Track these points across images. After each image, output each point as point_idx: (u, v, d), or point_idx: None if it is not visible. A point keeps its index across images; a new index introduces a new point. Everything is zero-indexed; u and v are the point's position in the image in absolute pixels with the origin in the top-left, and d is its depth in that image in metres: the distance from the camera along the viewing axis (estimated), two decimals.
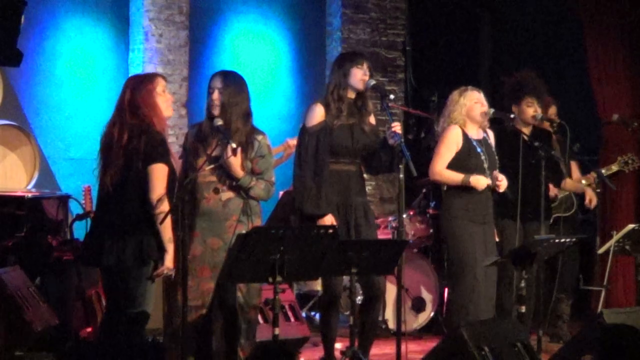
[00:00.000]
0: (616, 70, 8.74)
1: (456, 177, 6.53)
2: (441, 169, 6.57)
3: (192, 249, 5.63)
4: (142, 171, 5.29)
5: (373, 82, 6.20)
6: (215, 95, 5.72)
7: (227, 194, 5.71)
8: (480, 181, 6.50)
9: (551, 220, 7.56)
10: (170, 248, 5.30)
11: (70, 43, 8.80)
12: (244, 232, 5.43)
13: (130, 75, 5.63)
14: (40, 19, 8.58)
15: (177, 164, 5.72)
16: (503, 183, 6.58)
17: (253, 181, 5.72)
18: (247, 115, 5.79)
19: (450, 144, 6.58)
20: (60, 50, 8.75)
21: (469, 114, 6.62)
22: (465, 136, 6.59)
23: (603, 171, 7.81)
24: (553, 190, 7.72)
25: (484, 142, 6.68)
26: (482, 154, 6.59)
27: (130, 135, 5.34)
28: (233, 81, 5.80)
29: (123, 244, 5.27)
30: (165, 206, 5.27)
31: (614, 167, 7.94)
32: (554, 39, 9.84)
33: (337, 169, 6.18)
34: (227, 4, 9.63)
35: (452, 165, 6.58)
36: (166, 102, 5.51)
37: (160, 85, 5.51)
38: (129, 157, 5.32)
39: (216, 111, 5.70)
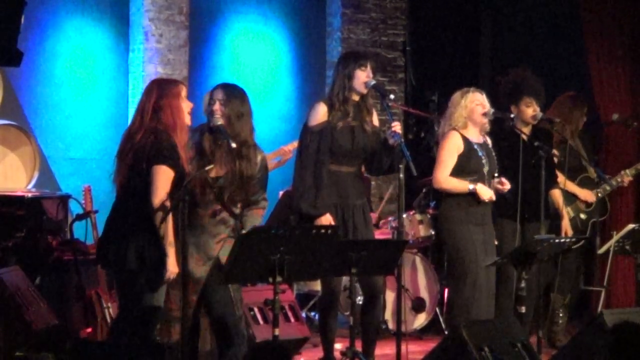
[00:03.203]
0: (616, 70, 8.74)
1: (462, 185, 6.51)
2: (445, 177, 6.56)
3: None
4: (146, 172, 5.28)
5: (373, 82, 6.20)
6: (217, 106, 5.64)
7: (222, 215, 5.66)
8: (484, 192, 6.49)
9: (589, 225, 7.63)
10: (171, 252, 5.28)
11: (70, 43, 8.80)
12: (229, 247, 5.39)
13: (156, 78, 5.54)
14: (40, 19, 8.58)
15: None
16: (506, 187, 6.59)
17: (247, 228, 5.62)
18: (252, 129, 5.74)
19: (451, 151, 6.56)
20: (60, 50, 8.74)
21: (470, 116, 6.61)
22: (466, 140, 6.59)
23: (633, 171, 7.84)
24: (590, 196, 7.74)
25: (484, 146, 6.68)
26: (482, 157, 6.59)
27: (142, 136, 5.33)
28: (235, 93, 5.70)
29: (126, 246, 5.27)
30: (165, 209, 5.26)
31: (608, 188, 7.91)
32: (554, 39, 9.84)
33: (336, 170, 6.18)
34: (227, 4, 9.62)
35: (454, 169, 6.56)
36: (188, 108, 5.48)
37: (184, 91, 5.50)
38: (136, 157, 5.32)
39: (217, 122, 5.63)
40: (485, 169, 6.60)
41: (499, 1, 10.56)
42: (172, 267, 5.29)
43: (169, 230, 5.27)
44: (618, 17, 8.75)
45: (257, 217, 5.72)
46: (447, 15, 10.43)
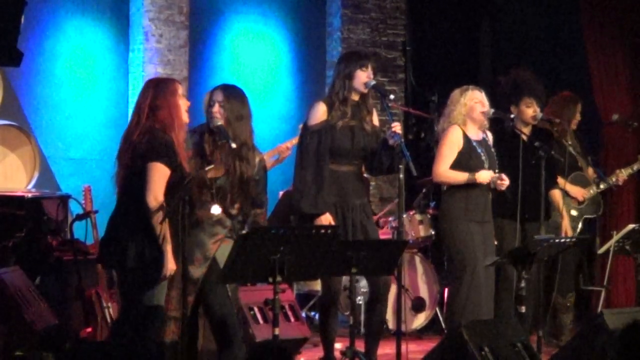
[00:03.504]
0: (616, 70, 8.75)
1: (460, 176, 6.53)
2: (445, 169, 6.57)
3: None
4: (142, 170, 5.28)
5: (373, 82, 6.21)
6: (216, 108, 5.64)
7: (219, 215, 5.65)
8: (485, 175, 6.50)
9: (580, 223, 7.63)
10: (168, 249, 5.28)
11: (70, 43, 8.80)
12: (226, 247, 5.45)
13: (152, 78, 5.58)
14: (40, 19, 8.58)
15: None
16: (505, 183, 6.58)
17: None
18: (252, 131, 5.73)
19: (452, 145, 6.57)
20: (60, 50, 8.74)
21: (469, 114, 6.61)
22: (466, 137, 6.60)
23: (628, 170, 7.84)
24: (583, 193, 7.75)
25: (483, 143, 6.68)
26: (482, 154, 6.60)
27: (138, 135, 5.33)
28: (234, 94, 5.68)
29: (126, 245, 5.28)
30: (160, 207, 5.26)
31: (636, 166, 7.94)
32: (554, 39, 9.84)
33: (335, 170, 6.18)
34: (227, 4, 9.63)
35: (453, 166, 6.57)
36: (185, 105, 5.49)
37: (180, 89, 5.50)
38: (132, 156, 5.32)
39: (217, 123, 5.62)
40: (486, 166, 6.59)
41: (499, 1, 10.56)
42: (170, 264, 5.29)
43: (164, 227, 5.26)
44: (618, 17, 8.75)
45: (263, 220, 5.74)
46: (447, 15, 10.42)
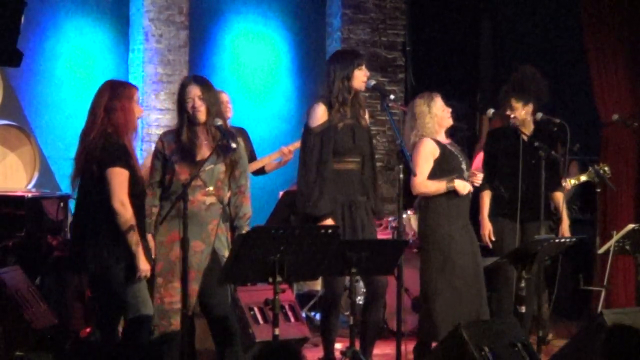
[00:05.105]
0: (616, 71, 8.74)
1: (439, 185, 6.42)
2: (422, 180, 6.45)
3: (173, 251, 5.57)
4: (98, 175, 5.31)
5: (373, 82, 6.22)
6: (198, 103, 5.66)
7: (210, 199, 5.67)
8: (463, 186, 6.44)
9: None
10: (138, 251, 5.32)
11: (70, 43, 8.81)
12: (222, 236, 5.56)
13: (109, 80, 5.67)
14: (40, 19, 8.59)
15: (143, 169, 5.73)
16: (479, 177, 6.57)
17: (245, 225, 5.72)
18: (223, 113, 5.82)
19: (427, 157, 6.48)
20: (60, 50, 8.75)
21: (440, 123, 6.56)
22: (440, 144, 6.53)
23: (574, 181, 7.71)
24: None
25: (453, 145, 6.64)
26: (459, 155, 6.56)
27: (93, 138, 5.37)
28: (207, 85, 5.73)
29: (98, 249, 5.31)
30: (128, 210, 5.29)
31: (583, 178, 7.78)
32: (554, 39, 9.84)
33: (341, 168, 6.19)
34: (227, 4, 9.63)
35: (433, 173, 6.48)
36: (138, 113, 5.59)
37: (136, 95, 5.58)
38: (87, 160, 5.37)
39: (202, 117, 5.65)
40: (464, 166, 6.56)
41: (499, 1, 10.56)
42: (143, 266, 5.32)
43: (134, 231, 5.30)
44: (618, 17, 8.75)
45: (248, 205, 5.76)
46: (447, 15, 10.43)
